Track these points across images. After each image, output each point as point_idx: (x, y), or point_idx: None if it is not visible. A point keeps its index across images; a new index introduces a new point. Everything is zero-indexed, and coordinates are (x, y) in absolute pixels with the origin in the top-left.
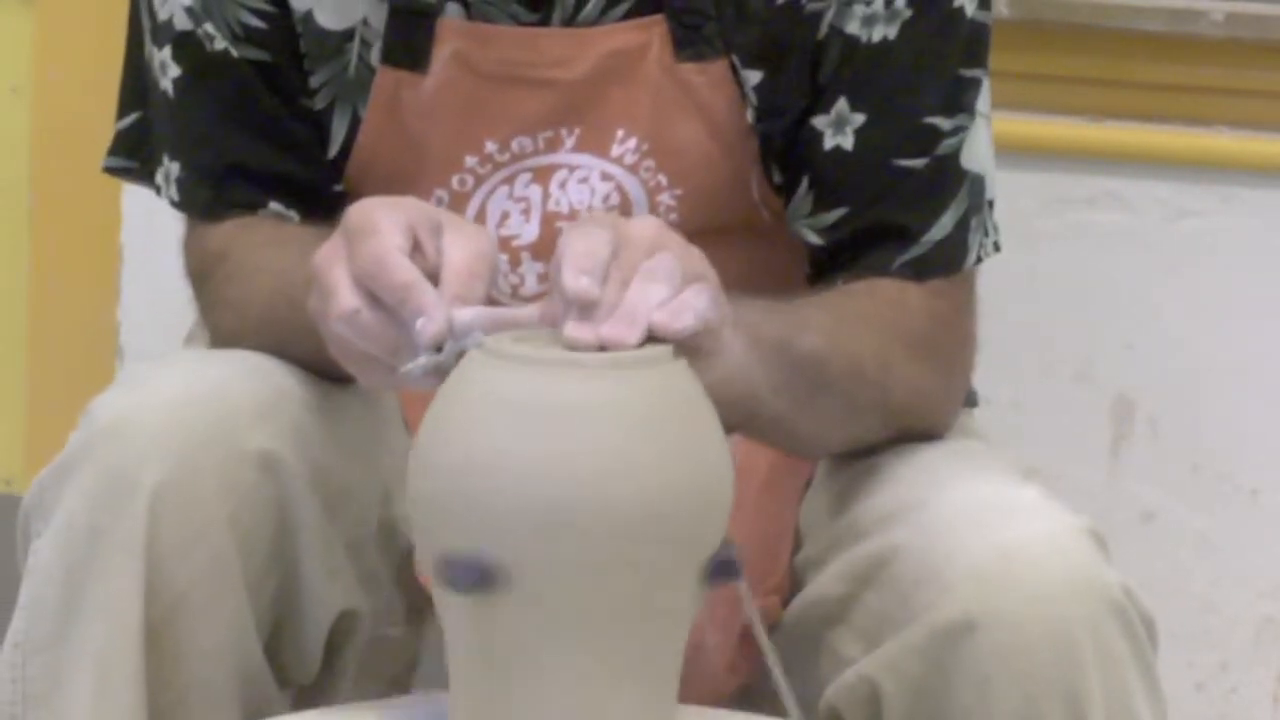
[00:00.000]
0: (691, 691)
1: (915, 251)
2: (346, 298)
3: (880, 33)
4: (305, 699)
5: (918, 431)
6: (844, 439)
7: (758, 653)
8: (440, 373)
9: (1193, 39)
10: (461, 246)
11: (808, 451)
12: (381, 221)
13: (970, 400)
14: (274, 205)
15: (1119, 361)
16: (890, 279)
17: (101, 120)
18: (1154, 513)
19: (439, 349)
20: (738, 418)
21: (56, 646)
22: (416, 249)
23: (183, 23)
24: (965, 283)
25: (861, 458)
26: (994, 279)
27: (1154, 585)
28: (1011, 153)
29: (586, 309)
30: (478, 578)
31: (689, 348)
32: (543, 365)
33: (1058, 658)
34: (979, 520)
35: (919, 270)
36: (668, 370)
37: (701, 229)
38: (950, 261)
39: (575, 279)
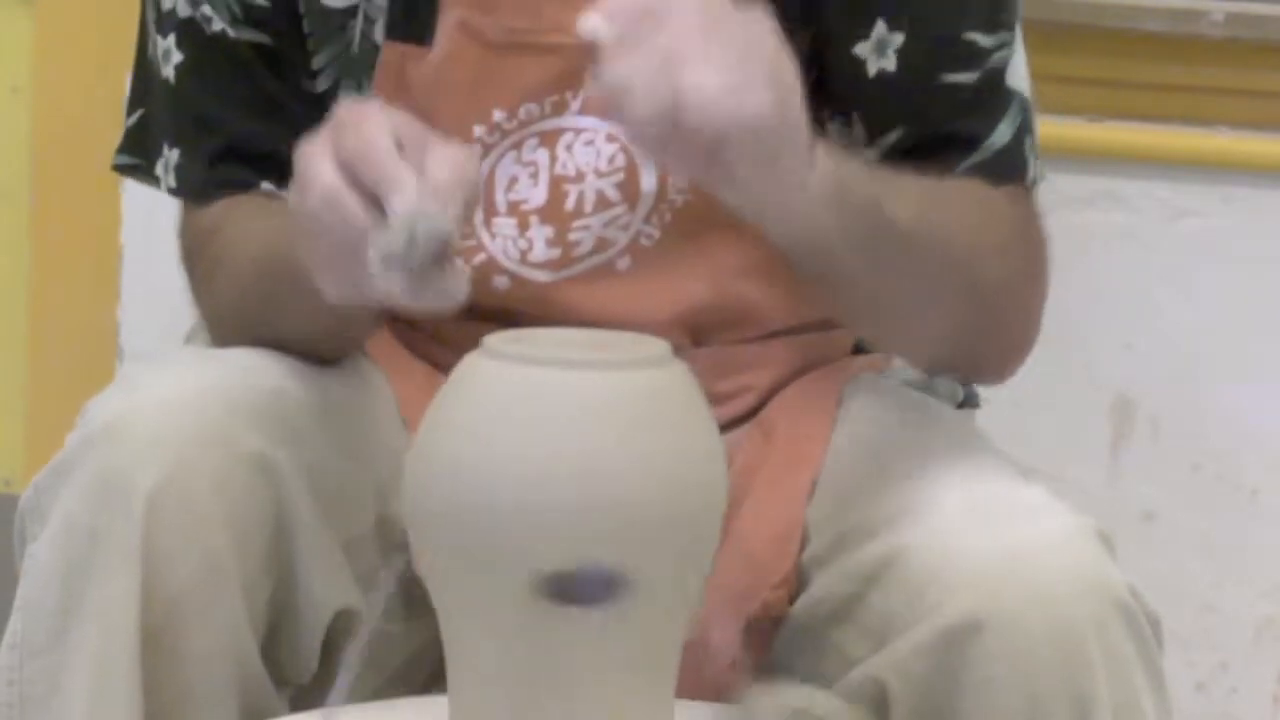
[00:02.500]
0: (692, 690)
1: (980, 157)
2: (328, 174)
3: None
4: (302, 698)
5: (1001, 338)
6: (927, 322)
7: (760, 651)
8: (407, 265)
9: (1193, 39)
10: (445, 161)
11: (888, 334)
12: (369, 116)
13: (970, 400)
14: (266, 185)
15: (1119, 361)
16: (973, 180)
17: (101, 120)
18: (1154, 513)
19: (411, 246)
20: (811, 272)
21: (53, 649)
22: (400, 150)
23: (184, 9)
24: (1033, 203)
25: (867, 455)
26: None
27: (1154, 585)
28: None
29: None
30: (609, 588)
31: None
32: (543, 365)
33: (1064, 658)
34: (986, 520)
35: (988, 174)
36: (666, 370)
37: (711, 201)
38: (1014, 168)
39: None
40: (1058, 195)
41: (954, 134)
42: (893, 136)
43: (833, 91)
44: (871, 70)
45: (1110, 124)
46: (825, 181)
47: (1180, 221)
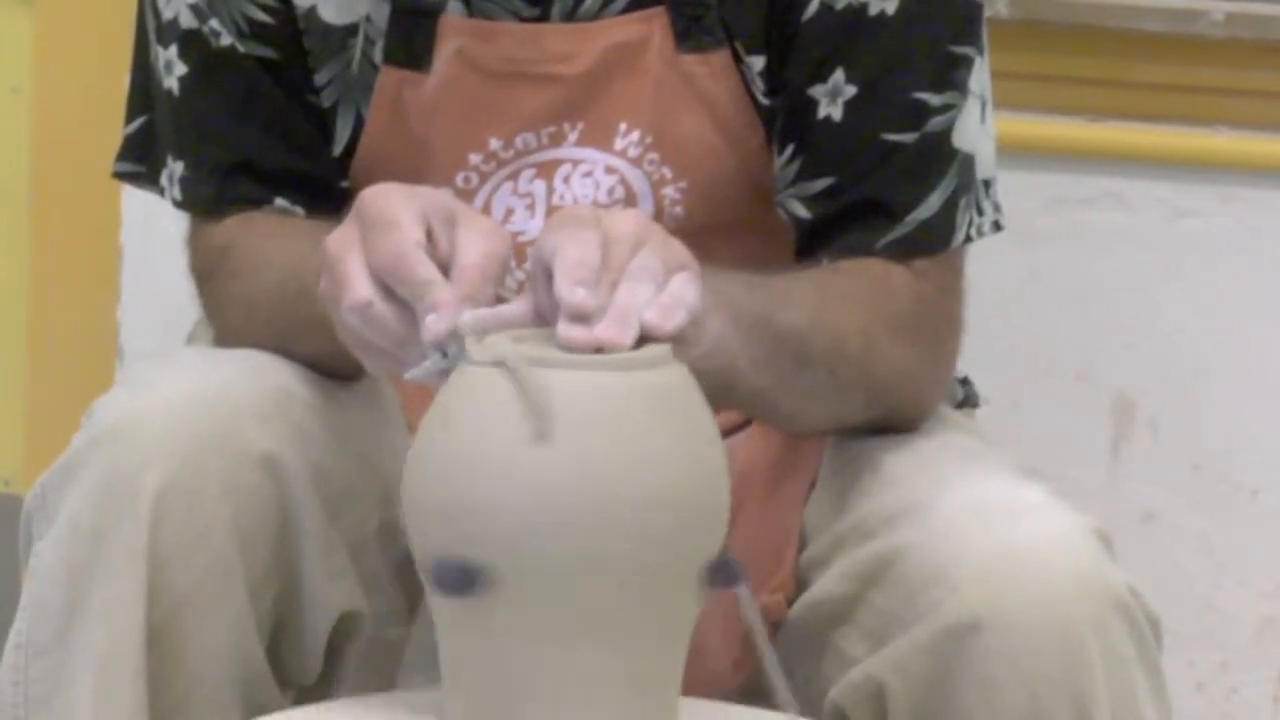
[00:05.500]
0: (695, 690)
1: (900, 231)
2: (361, 288)
3: (878, 6)
4: (306, 699)
5: (903, 414)
6: (826, 416)
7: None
8: (445, 375)
9: (1193, 39)
10: (475, 245)
11: (791, 427)
12: (400, 213)
13: (970, 400)
14: (279, 201)
15: (1119, 361)
16: (875, 259)
17: (101, 121)
18: (1154, 513)
19: (444, 353)
20: (715, 390)
21: (59, 649)
22: (430, 239)
23: (188, 21)
24: (951, 264)
25: (865, 456)
26: (994, 279)
27: (1154, 585)
28: (1011, 153)
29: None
30: (463, 581)
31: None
32: (542, 366)
33: (1064, 658)
34: (985, 520)
35: (903, 251)
36: (668, 372)
37: (707, 223)
38: (935, 242)
39: (571, 291)
40: (1058, 195)
41: (879, 203)
42: (821, 184)
43: (777, 122)
44: (820, 114)
45: (1110, 124)
46: (720, 310)
47: (1180, 221)
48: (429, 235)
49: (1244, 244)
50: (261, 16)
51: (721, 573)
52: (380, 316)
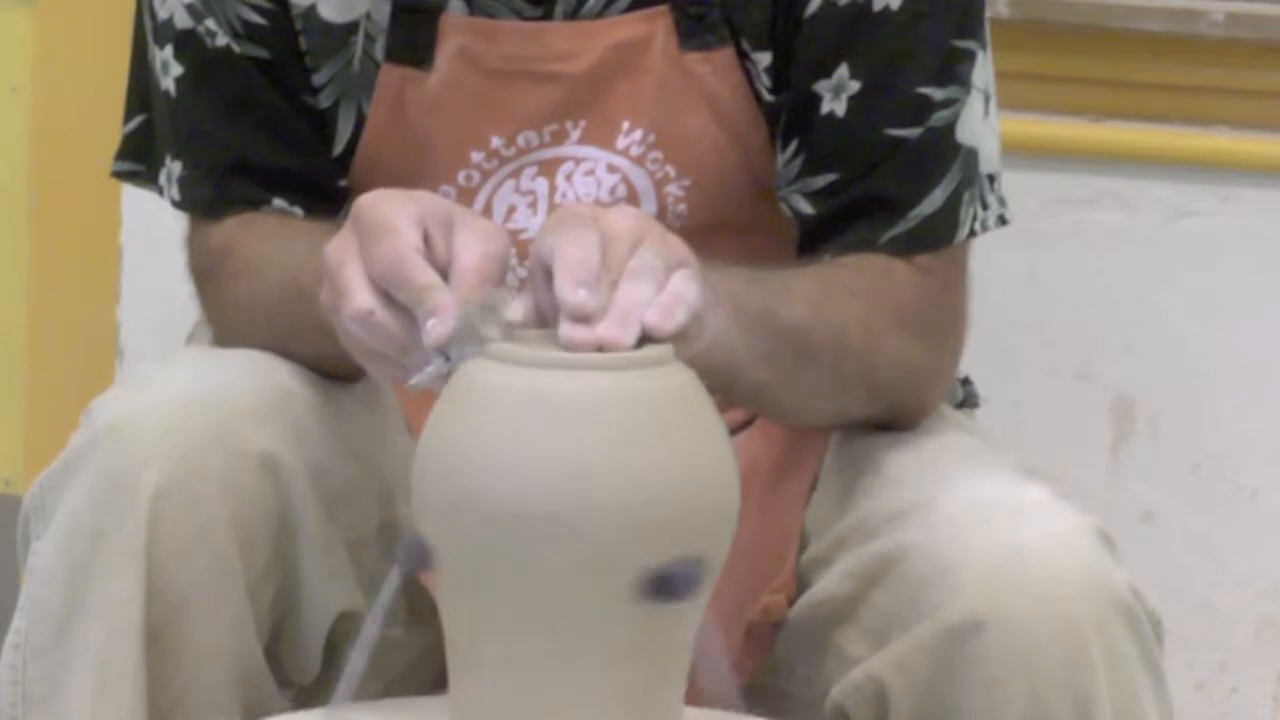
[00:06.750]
0: (695, 692)
1: (903, 227)
2: (361, 297)
3: (881, 1)
4: (305, 699)
5: (905, 408)
6: (829, 411)
7: (761, 653)
8: (448, 379)
9: (1193, 39)
10: (472, 247)
11: (793, 421)
12: (397, 218)
13: (971, 400)
14: (278, 202)
15: (1119, 361)
16: (878, 254)
17: (101, 121)
18: (1154, 513)
19: (447, 356)
20: (718, 385)
21: (57, 648)
22: (427, 244)
23: (183, 21)
24: (955, 259)
25: (867, 456)
26: (994, 279)
27: (1154, 585)
28: (1011, 153)
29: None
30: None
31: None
32: (546, 368)
33: (1066, 658)
34: (987, 520)
35: (906, 246)
36: (671, 371)
37: (710, 221)
38: (939, 237)
39: (572, 292)
40: (1059, 195)
41: (883, 198)
42: (824, 179)
43: (780, 118)
44: (824, 109)
45: (1110, 124)
46: (722, 304)
47: (1180, 221)
48: (426, 239)
49: (1244, 244)
50: (256, 18)
51: (660, 585)
52: (382, 324)
